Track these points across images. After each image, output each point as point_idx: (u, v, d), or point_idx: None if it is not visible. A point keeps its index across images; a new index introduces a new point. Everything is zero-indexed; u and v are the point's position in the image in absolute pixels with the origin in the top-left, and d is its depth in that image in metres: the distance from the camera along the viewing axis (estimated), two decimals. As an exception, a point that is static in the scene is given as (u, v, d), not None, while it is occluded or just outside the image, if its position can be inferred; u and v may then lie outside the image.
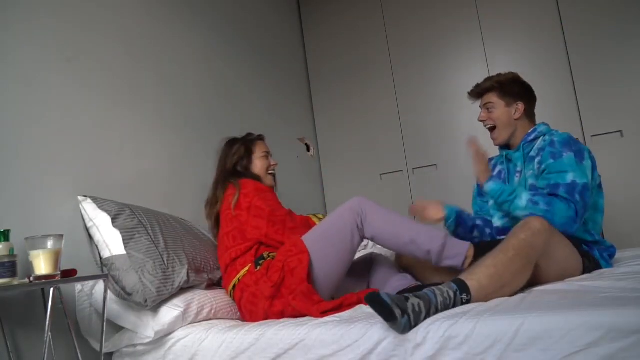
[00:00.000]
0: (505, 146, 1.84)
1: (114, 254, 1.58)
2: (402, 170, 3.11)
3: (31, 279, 1.22)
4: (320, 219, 1.84)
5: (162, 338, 1.49)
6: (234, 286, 1.65)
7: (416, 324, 1.09)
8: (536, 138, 1.72)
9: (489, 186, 1.64)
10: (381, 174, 3.17)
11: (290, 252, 1.58)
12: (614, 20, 2.49)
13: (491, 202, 1.85)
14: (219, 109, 2.55)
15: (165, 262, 1.57)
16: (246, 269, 1.64)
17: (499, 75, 1.80)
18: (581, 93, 2.57)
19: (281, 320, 1.42)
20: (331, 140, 3.39)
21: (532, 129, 1.74)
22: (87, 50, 1.85)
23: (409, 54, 3.10)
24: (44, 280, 1.20)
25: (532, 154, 1.70)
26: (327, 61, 3.43)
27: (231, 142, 1.98)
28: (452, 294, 1.18)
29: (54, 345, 1.42)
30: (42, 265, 1.20)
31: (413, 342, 1.07)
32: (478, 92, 1.82)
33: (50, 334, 1.20)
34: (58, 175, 1.64)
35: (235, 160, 1.91)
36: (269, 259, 1.64)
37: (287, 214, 1.76)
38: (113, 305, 1.53)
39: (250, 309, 1.57)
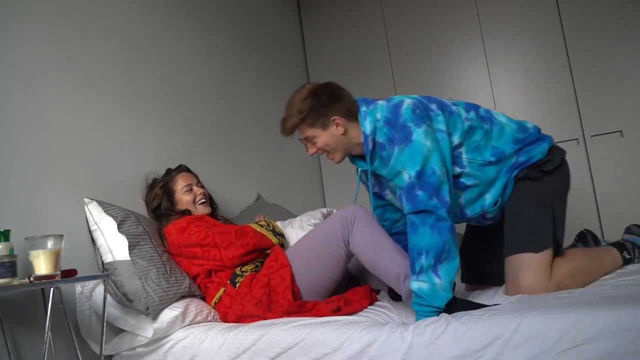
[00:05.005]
0: (352, 155, 1.61)
1: (117, 259, 1.58)
2: (402, 170, 3.10)
3: (31, 279, 1.21)
4: (262, 226, 1.81)
5: (161, 339, 1.49)
6: (215, 304, 1.63)
7: None
8: (374, 142, 1.48)
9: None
10: (381, 174, 3.17)
11: (272, 267, 1.56)
12: (613, 20, 2.49)
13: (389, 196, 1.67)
14: (219, 109, 2.54)
15: (168, 271, 1.57)
16: (221, 292, 1.62)
17: (293, 101, 1.54)
18: (581, 93, 2.56)
19: (281, 320, 1.42)
20: (331, 140, 3.39)
21: (363, 138, 1.48)
22: (87, 50, 1.85)
23: (409, 54, 3.09)
24: (44, 280, 1.20)
25: (382, 153, 1.48)
26: (327, 61, 3.43)
27: (151, 186, 1.88)
28: None
29: (54, 345, 1.42)
30: (42, 265, 1.20)
31: (414, 338, 1.09)
32: (289, 131, 1.56)
33: (50, 334, 1.20)
34: (58, 175, 1.64)
35: (156, 205, 1.83)
36: (247, 273, 1.63)
37: (217, 234, 1.68)
38: (112, 307, 1.53)
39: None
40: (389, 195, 1.65)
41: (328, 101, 1.51)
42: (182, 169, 1.96)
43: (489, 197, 1.50)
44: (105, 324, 1.38)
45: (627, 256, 1.49)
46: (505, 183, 1.49)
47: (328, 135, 1.52)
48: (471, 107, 1.54)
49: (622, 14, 2.47)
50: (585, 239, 1.68)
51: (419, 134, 1.37)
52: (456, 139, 1.46)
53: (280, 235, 1.83)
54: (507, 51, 2.79)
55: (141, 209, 1.85)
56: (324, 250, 1.55)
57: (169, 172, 1.94)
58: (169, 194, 1.86)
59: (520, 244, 1.41)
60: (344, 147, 1.54)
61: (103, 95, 1.88)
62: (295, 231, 1.99)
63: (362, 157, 1.56)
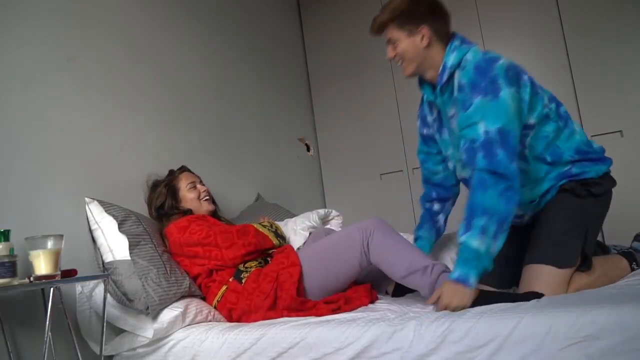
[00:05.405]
0: (423, 79, 1.57)
1: (117, 258, 1.58)
2: (402, 170, 3.10)
3: (31, 279, 1.22)
4: (264, 226, 1.82)
5: (162, 339, 1.48)
6: (217, 301, 1.63)
7: None
8: (451, 75, 1.45)
9: (464, 274, 1.27)
10: (381, 174, 3.17)
11: (282, 263, 1.56)
12: (613, 20, 2.49)
13: (450, 152, 1.60)
14: (219, 109, 2.54)
15: (168, 271, 1.57)
16: (223, 289, 1.62)
17: (392, 1, 1.52)
18: (581, 93, 2.56)
19: (282, 319, 1.42)
20: (331, 140, 3.39)
21: (442, 67, 1.46)
22: (87, 50, 1.85)
23: (409, 54, 3.09)
24: (44, 280, 1.20)
25: (457, 92, 1.43)
26: (327, 61, 3.43)
27: (154, 186, 1.90)
28: None
29: (54, 345, 1.42)
30: (42, 265, 1.20)
31: (415, 337, 1.09)
32: (377, 29, 1.56)
33: (50, 334, 1.20)
34: (58, 175, 1.64)
35: (160, 204, 1.84)
36: (252, 269, 1.62)
37: (219, 233, 1.68)
38: (112, 307, 1.53)
39: (245, 321, 1.55)
40: (444, 134, 1.57)
41: (425, 12, 1.47)
42: (185, 169, 1.98)
43: (527, 192, 1.46)
44: (105, 324, 1.38)
45: (635, 267, 1.48)
46: (549, 188, 1.46)
47: (411, 43, 1.48)
48: (554, 100, 1.50)
49: (622, 14, 2.47)
50: (594, 251, 1.65)
51: (507, 93, 1.32)
52: (532, 119, 1.41)
53: (281, 237, 1.84)
54: (507, 51, 2.74)
55: (142, 208, 1.85)
56: (338, 257, 1.53)
57: (171, 172, 1.96)
58: (173, 191, 1.87)
59: (544, 255, 1.37)
60: (420, 61, 1.49)
61: (103, 95, 1.88)
62: (288, 234, 1.99)
63: (431, 85, 1.53)
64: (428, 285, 1.37)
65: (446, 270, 1.38)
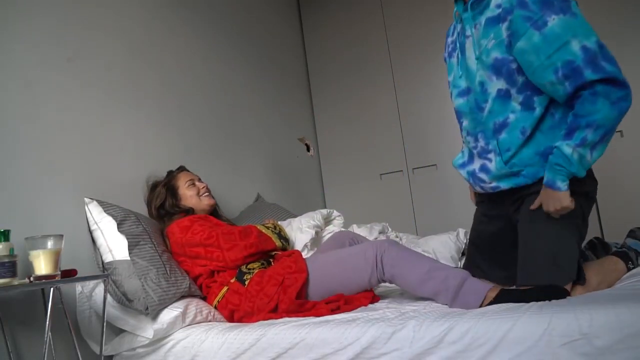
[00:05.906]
0: None
1: (117, 258, 1.58)
2: (402, 170, 3.11)
3: (31, 279, 1.22)
4: (267, 228, 1.82)
5: (161, 340, 1.49)
6: (218, 302, 1.63)
7: None
8: None
9: (550, 178, 1.26)
10: (381, 174, 3.17)
11: (289, 268, 1.56)
12: (613, 20, 2.49)
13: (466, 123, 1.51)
14: (219, 109, 2.55)
15: (168, 271, 1.58)
16: (224, 290, 1.62)
17: None
18: (581, 93, 2.56)
19: (281, 320, 1.42)
20: (331, 140, 3.39)
21: None
22: (87, 50, 1.85)
23: (409, 53, 3.09)
24: (44, 280, 1.20)
25: (490, 14, 1.32)
26: (327, 61, 3.43)
27: (153, 187, 1.91)
28: None
29: (54, 345, 1.42)
30: (42, 265, 1.20)
31: (415, 337, 1.10)
32: None
33: (50, 334, 1.20)
34: (58, 175, 1.64)
35: (160, 203, 1.85)
36: (255, 270, 1.62)
37: (221, 235, 1.68)
38: (112, 307, 1.53)
39: (246, 321, 1.55)
40: (454, 58, 1.49)
41: None
42: (183, 168, 1.99)
43: (513, 139, 1.34)
44: (105, 324, 1.38)
45: (631, 266, 1.47)
46: (532, 163, 1.34)
47: None
48: None
49: (622, 14, 2.47)
50: (595, 248, 1.62)
51: (579, 11, 1.25)
52: None
53: (284, 239, 1.84)
54: (507, 51, 2.79)
55: (141, 209, 1.86)
56: (347, 269, 1.51)
57: (170, 172, 1.97)
58: (172, 190, 1.89)
59: (540, 275, 1.29)
60: None
61: (103, 94, 1.88)
62: (293, 233, 2.00)
63: (464, 3, 1.42)
64: (452, 288, 1.28)
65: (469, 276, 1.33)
